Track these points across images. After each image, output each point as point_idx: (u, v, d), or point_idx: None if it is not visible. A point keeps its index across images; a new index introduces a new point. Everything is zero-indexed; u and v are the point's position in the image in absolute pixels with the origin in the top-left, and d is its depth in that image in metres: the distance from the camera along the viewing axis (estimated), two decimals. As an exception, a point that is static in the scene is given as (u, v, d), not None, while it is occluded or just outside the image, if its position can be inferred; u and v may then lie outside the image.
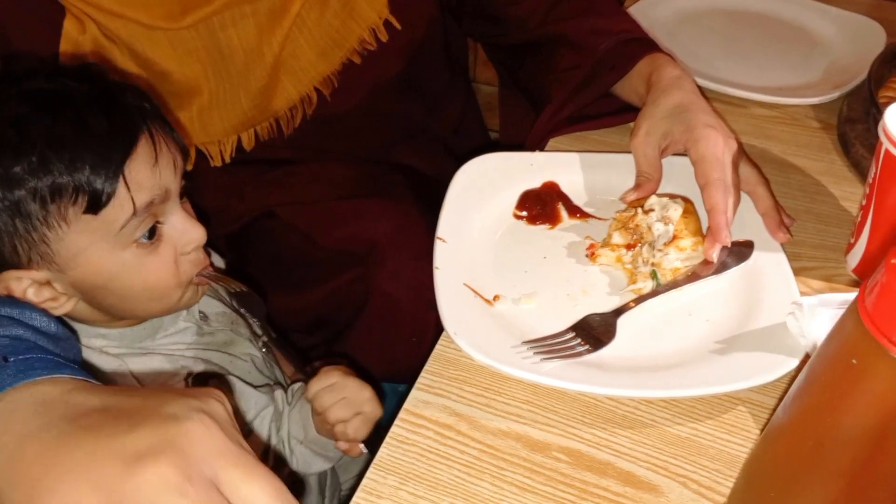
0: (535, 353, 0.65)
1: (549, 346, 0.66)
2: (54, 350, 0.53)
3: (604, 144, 0.91)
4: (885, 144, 0.69)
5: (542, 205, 0.80)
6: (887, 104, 0.90)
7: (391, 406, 0.88)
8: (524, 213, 0.80)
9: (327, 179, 1.01)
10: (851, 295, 0.68)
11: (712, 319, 0.70)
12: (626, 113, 0.89)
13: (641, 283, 0.73)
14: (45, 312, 0.58)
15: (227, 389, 0.77)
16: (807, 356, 0.65)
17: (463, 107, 1.21)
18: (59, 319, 0.60)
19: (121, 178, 0.62)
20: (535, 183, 0.82)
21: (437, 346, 0.69)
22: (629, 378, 0.64)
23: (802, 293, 0.71)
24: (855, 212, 0.84)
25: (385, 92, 1.00)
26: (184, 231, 0.69)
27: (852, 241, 0.76)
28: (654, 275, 0.73)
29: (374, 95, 0.99)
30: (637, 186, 0.78)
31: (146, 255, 0.67)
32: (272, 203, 1.00)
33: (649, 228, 0.74)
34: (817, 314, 0.65)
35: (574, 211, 0.80)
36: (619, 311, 0.70)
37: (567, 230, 0.79)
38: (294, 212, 1.00)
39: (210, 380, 0.77)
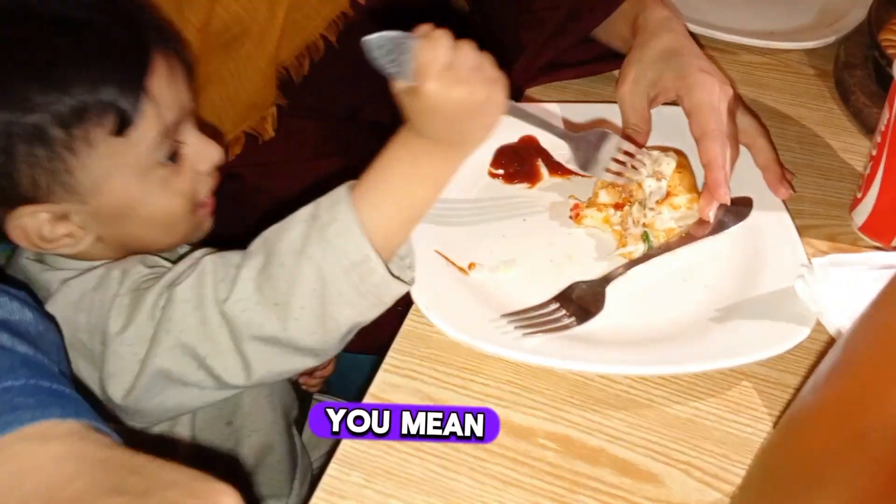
0: (515, 327, 0.58)
1: (531, 319, 0.59)
2: (36, 359, 0.46)
3: (587, 94, 0.83)
4: (902, 87, 0.62)
5: (519, 161, 0.73)
6: (890, 48, 0.84)
7: (366, 378, 0.80)
8: (500, 171, 0.72)
9: (295, 138, 0.93)
10: (866, 255, 0.62)
11: (711, 285, 0.64)
12: (610, 60, 0.81)
13: (632, 246, 0.65)
14: (23, 298, 0.52)
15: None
16: (834, 337, 0.58)
17: None
18: (38, 304, 0.54)
19: (146, 96, 0.58)
20: (512, 137, 0.74)
21: (407, 322, 0.61)
22: (621, 353, 0.57)
23: (806, 253, 0.64)
24: (857, 164, 0.78)
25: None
26: (201, 150, 0.65)
27: (859, 195, 0.70)
28: (645, 237, 0.66)
29: (358, 43, 0.91)
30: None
31: (169, 178, 0.62)
32: (236, 164, 0.91)
33: (639, 185, 0.67)
34: (829, 277, 0.59)
35: (555, 168, 0.73)
36: (607, 279, 0.63)
37: (548, 189, 0.71)
38: (261, 173, 0.92)
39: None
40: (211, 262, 0.58)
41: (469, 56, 0.55)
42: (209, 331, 0.57)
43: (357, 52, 0.93)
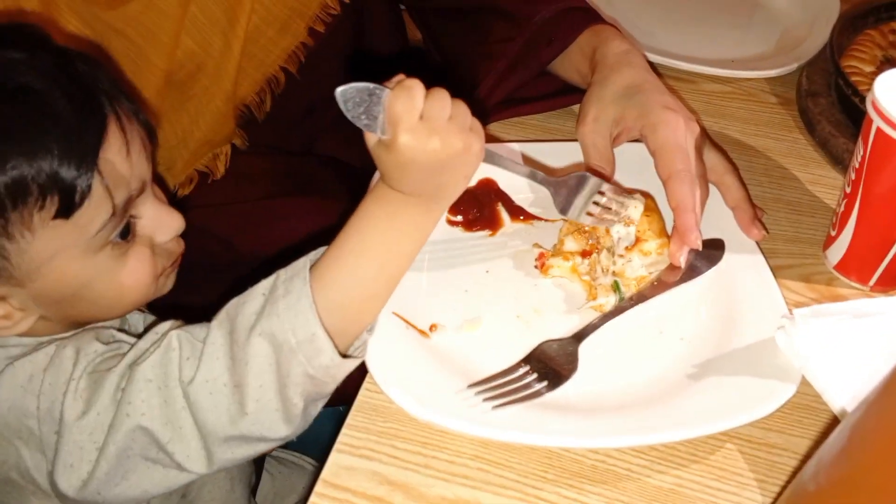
0: (484, 399, 0.53)
1: (499, 388, 0.54)
2: None
3: (545, 131, 0.79)
4: (876, 122, 0.59)
5: (479, 207, 0.68)
6: (853, 74, 0.82)
7: (328, 432, 0.75)
8: (459, 218, 0.68)
9: (246, 176, 0.88)
10: (849, 304, 0.59)
11: (687, 337, 0.60)
12: (569, 94, 0.77)
13: (603, 298, 0.61)
14: None
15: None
16: (837, 415, 0.54)
17: None
18: None
19: (95, 173, 0.52)
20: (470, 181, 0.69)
21: (362, 393, 0.56)
22: (598, 423, 0.53)
23: (784, 300, 0.61)
24: (826, 197, 0.75)
25: (327, 72, 0.88)
26: (160, 221, 0.60)
27: (833, 233, 0.67)
28: (616, 287, 0.62)
29: (319, 76, 0.86)
30: (589, 181, 0.67)
31: (121, 256, 0.57)
32: (182, 205, 0.86)
33: (607, 231, 0.63)
34: (811, 328, 0.55)
35: (517, 212, 0.69)
36: (579, 336, 0.58)
37: (511, 236, 0.67)
38: (209, 214, 0.87)
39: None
40: (177, 339, 0.53)
41: (443, 105, 0.51)
42: (172, 413, 0.51)
43: (313, 82, 0.89)
